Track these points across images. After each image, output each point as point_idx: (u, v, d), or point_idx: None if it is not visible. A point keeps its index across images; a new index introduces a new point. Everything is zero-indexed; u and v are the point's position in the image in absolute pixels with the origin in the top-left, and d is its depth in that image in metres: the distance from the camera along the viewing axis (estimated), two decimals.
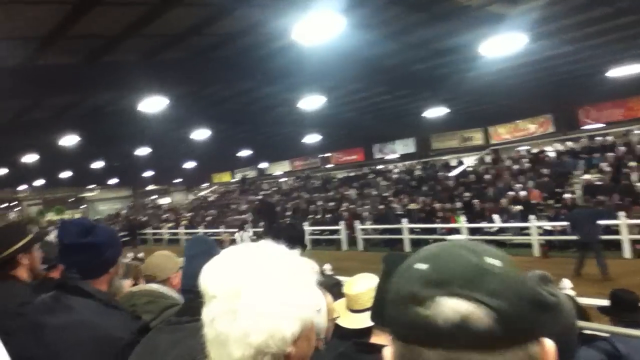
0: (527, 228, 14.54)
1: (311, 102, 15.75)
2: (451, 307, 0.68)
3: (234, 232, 18.18)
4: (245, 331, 0.94)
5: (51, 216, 41.22)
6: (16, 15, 8.07)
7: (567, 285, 7.34)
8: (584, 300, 6.53)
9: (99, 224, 2.30)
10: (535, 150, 20.33)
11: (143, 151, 23.57)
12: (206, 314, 1.01)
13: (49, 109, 14.77)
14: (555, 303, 1.23)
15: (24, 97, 12.92)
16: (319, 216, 22.17)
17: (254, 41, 10.78)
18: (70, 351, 1.81)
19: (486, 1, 9.75)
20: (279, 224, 15.08)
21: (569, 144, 18.98)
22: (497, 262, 0.73)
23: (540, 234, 14.27)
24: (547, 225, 14.40)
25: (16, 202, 44.29)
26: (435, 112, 18.94)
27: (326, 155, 33.56)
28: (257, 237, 16.32)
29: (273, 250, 1.05)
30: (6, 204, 44.48)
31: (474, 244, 0.76)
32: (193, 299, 1.71)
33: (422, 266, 0.73)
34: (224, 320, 0.96)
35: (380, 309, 1.81)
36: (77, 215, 43.58)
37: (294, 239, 3.76)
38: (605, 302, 4.45)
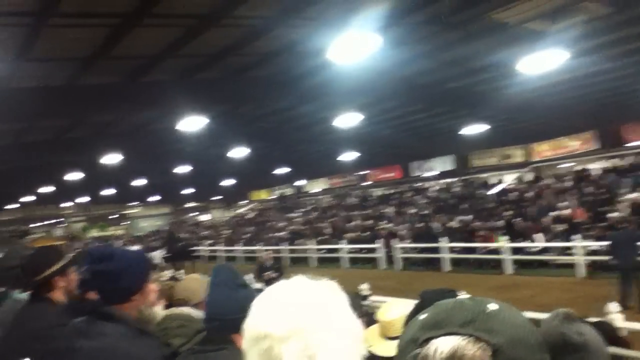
0: (570, 248, 14.07)
1: (347, 120, 15.75)
2: (444, 343, 0.72)
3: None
4: None
5: (95, 232, 42.35)
6: (59, 37, 8.36)
7: (613, 309, 7.01)
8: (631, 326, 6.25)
9: (123, 250, 2.30)
10: (578, 168, 19.80)
11: (183, 169, 24.00)
12: (271, 356, 0.95)
13: (90, 127, 15.23)
14: (582, 343, 1.15)
15: (67, 116, 13.37)
16: (356, 234, 22.05)
17: (289, 60, 10.88)
18: None
19: (524, 18, 9.59)
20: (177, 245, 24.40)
21: (614, 161, 18.39)
22: (500, 308, 0.76)
23: (585, 254, 13.79)
24: (593, 245, 13.91)
25: (61, 219, 45.62)
26: (474, 129, 18.66)
27: (364, 172, 33.50)
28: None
29: (315, 285, 1.05)
30: (52, 221, 45.88)
31: (482, 298, 0.81)
32: (216, 328, 1.69)
33: (424, 315, 0.80)
34: None
35: None
36: (120, 232, 44.66)
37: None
38: None
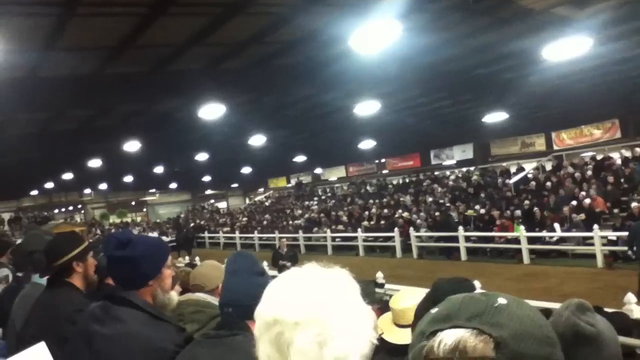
0: (590, 238, 13.95)
1: (368, 108, 15.69)
2: (448, 335, 0.74)
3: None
4: (338, 355, 0.96)
5: (114, 219, 42.83)
6: (86, 27, 8.42)
7: (631, 300, 6.97)
8: None
9: (141, 236, 2.33)
10: (600, 157, 19.53)
11: (202, 157, 24.13)
12: (281, 342, 0.97)
13: (115, 116, 15.37)
14: (595, 334, 1.16)
15: (94, 106, 13.50)
16: (373, 223, 22.04)
17: (312, 48, 10.84)
18: None
19: (550, 4, 9.45)
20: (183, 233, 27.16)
21: (638, 150, 18.11)
22: (509, 302, 0.78)
23: (605, 244, 13.66)
24: (612, 235, 13.76)
25: (81, 205, 46.18)
26: (496, 117, 18.48)
27: (382, 161, 33.37)
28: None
29: (327, 273, 1.06)
30: (72, 207, 46.48)
31: (496, 292, 0.83)
32: (231, 314, 1.72)
33: (436, 309, 0.82)
34: (313, 347, 0.95)
35: None
36: (139, 219, 45.09)
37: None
38: None
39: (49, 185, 32.27)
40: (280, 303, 1.00)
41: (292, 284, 1.03)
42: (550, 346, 0.76)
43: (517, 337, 0.72)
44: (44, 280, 3.20)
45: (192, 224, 34.61)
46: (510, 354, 0.71)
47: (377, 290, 9.15)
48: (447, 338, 0.74)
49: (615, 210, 15.32)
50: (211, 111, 13.30)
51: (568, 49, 10.61)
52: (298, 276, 1.05)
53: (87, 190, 42.79)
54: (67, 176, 26.26)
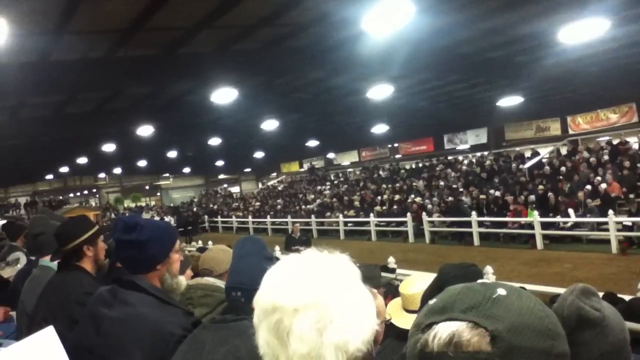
0: (605, 223, 13.80)
1: (381, 92, 15.58)
2: (444, 328, 0.73)
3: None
4: (338, 342, 0.94)
5: (128, 203, 43.26)
6: (97, 10, 8.41)
7: None
8: None
9: (149, 220, 2.31)
10: (616, 141, 19.27)
11: (215, 141, 24.21)
12: (280, 329, 0.95)
13: (127, 99, 15.42)
14: (599, 319, 1.13)
15: (105, 89, 13.55)
16: (385, 207, 22.02)
17: (323, 31, 10.76)
18: (126, 344, 1.88)
19: None
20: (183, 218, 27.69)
21: None
22: (509, 294, 0.76)
23: (619, 230, 13.52)
24: (627, 220, 13.61)
25: (96, 190, 46.69)
26: (510, 101, 18.27)
27: (395, 145, 33.25)
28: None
29: (326, 258, 1.04)
30: (87, 191, 47.00)
31: (497, 282, 0.80)
32: (238, 298, 1.70)
33: (433, 300, 0.81)
34: (312, 334, 0.93)
35: None
36: (153, 203, 45.49)
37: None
38: None
39: (64, 169, 32.63)
40: (278, 290, 0.98)
41: (290, 271, 1.02)
42: (551, 339, 0.73)
43: (513, 329, 0.70)
44: (51, 263, 3.23)
45: (194, 208, 34.77)
46: (506, 347, 0.69)
47: (387, 274, 9.15)
48: (442, 331, 0.73)
49: (631, 196, 15.14)
50: (223, 94, 13.29)
51: (584, 31, 10.42)
52: (296, 262, 1.03)
53: (102, 175, 43.26)
54: (82, 160, 26.53)
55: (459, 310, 0.74)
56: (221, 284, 2.75)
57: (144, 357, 1.85)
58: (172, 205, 41.03)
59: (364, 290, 1.03)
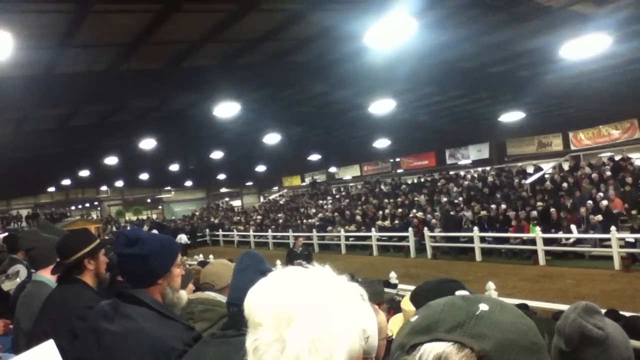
0: (607, 239, 13.72)
1: (383, 106, 15.61)
2: (430, 350, 0.71)
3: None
4: (323, 354, 0.89)
5: (130, 216, 43.23)
6: (102, 23, 8.49)
7: None
8: None
9: (151, 234, 2.31)
10: (618, 157, 19.25)
11: (217, 154, 24.22)
12: (250, 342, 0.94)
13: (131, 112, 15.48)
14: (602, 337, 1.11)
15: (110, 102, 13.62)
16: (387, 222, 21.95)
17: (326, 45, 10.83)
18: (127, 358, 1.86)
19: (569, 1, 9.33)
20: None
21: None
22: (491, 309, 0.74)
23: (622, 246, 13.44)
24: (630, 237, 13.54)
25: (97, 202, 46.67)
26: (512, 116, 18.29)
27: (397, 160, 33.26)
28: None
29: (318, 275, 1.01)
30: (88, 204, 46.97)
31: (478, 296, 0.80)
32: (237, 313, 1.69)
33: (415, 317, 0.79)
34: (272, 350, 0.90)
35: None
36: (154, 216, 45.47)
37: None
38: None
39: (66, 181, 32.65)
40: (260, 306, 0.96)
41: (272, 286, 0.99)
42: (535, 352, 0.72)
43: (500, 348, 0.69)
44: (44, 278, 3.21)
45: (190, 224, 34.57)
46: None
47: (388, 290, 9.11)
48: (428, 353, 0.71)
49: (633, 212, 15.06)
50: (226, 108, 13.32)
51: (586, 46, 10.45)
52: (279, 278, 1.01)
53: (104, 187, 43.26)
54: (84, 173, 26.57)
55: (444, 330, 0.72)
56: (222, 298, 2.74)
57: None
58: (177, 217, 40.94)
59: (351, 302, 0.98)
